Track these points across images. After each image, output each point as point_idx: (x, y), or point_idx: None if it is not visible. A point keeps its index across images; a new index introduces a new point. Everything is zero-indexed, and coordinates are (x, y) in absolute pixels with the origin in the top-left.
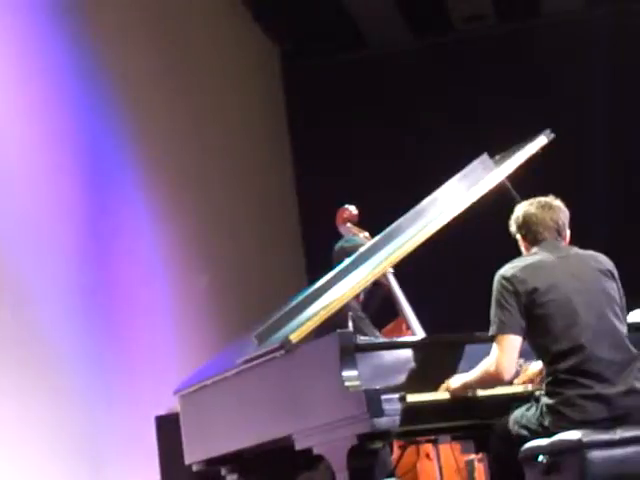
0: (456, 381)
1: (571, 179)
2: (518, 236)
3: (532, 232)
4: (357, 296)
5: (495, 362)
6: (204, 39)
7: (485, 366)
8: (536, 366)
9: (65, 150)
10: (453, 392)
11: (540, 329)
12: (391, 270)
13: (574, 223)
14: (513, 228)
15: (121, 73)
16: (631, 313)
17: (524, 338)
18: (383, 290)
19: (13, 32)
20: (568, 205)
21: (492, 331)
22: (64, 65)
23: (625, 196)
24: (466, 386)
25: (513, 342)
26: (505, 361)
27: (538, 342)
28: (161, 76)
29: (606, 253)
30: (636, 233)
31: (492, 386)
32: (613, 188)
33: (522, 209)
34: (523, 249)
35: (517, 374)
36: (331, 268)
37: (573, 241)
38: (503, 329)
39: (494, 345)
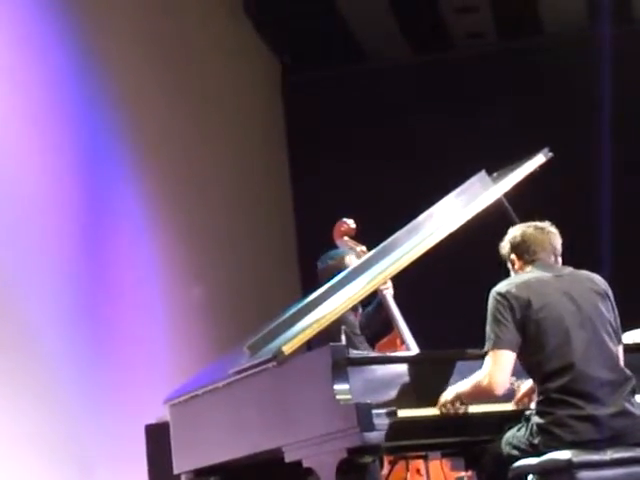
0: (449, 393)
1: (572, 198)
2: (513, 256)
3: (529, 252)
4: (354, 311)
5: (488, 376)
6: (205, 47)
7: (477, 379)
8: (529, 383)
9: (62, 154)
10: (446, 404)
11: (532, 347)
12: (390, 286)
13: (575, 243)
14: (507, 249)
15: (123, 80)
16: (627, 334)
17: (516, 355)
18: (384, 312)
19: (8, 30)
20: (568, 225)
21: (487, 346)
22: (65, 72)
23: (627, 215)
24: (459, 398)
25: (508, 358)
26: (498, 376)
27: (530, 360)
28: (162, 85)
29: (604, 275)
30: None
31: (484, 400)
32: (615, 208)
33: (519, 230)
34: (515, 271)
35: (512, 393)
36: (321, 281)
37: (571, 262)
38: (499, 344)
39: (487, 359)
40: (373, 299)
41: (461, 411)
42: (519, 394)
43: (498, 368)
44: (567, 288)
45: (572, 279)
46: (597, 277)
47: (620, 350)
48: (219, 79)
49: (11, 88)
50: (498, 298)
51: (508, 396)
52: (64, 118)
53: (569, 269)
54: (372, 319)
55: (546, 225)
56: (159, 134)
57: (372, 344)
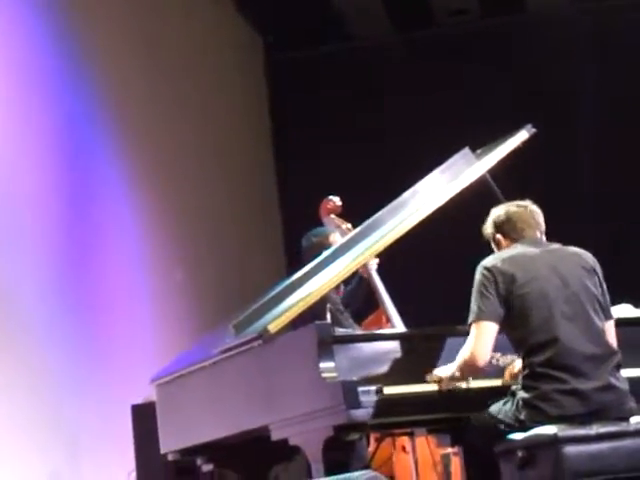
0: (439, 373)
1: (556, 175)
2: (498, 236)
3: (516, 229)
4: (337, 289)
5: (470, 348)
6: (187, 28)
7: (462, 353)
8: (513, 358)
9: (47, 141)
10: (441, 384)
11: (518, 321)
12: (375, 262)
13: (559, 219)
14: (491, 229)
15: (103, 62)
16: (613, 308)
17: (502, 329)
18: (366, 285)
19: None
20: (551, 202)
21: (470, 319)
22: (48, 56)
23: (610, 192)
24: (451, 376)
25: (489, 329)
26: (479, 347)
27: (515, 334)
28: (143, 66)
29: (592, 250)
30: (621, 231)
31: (470, 374)
32: (598, 185)
33: (502, 209)
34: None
35: (499, 369)
36: (306, 259)
37: (556, 239)
38: (480, 316)
39: (471, 332)
40: (355, 277)
41: (446, 388)
42: (515, 370)
43: (479, 339)
44: (554, 263)
45: (560, 254)
46: (585, 253)
47: (610, 325)
48: (201, 60)
49: None
50: (484, 272)
51: (495, 372)
52: (43, 94)
53: (557, 245)
54: (353, 297)
55: (528, 203)
56: (141, 116)
57: (357, 321)
